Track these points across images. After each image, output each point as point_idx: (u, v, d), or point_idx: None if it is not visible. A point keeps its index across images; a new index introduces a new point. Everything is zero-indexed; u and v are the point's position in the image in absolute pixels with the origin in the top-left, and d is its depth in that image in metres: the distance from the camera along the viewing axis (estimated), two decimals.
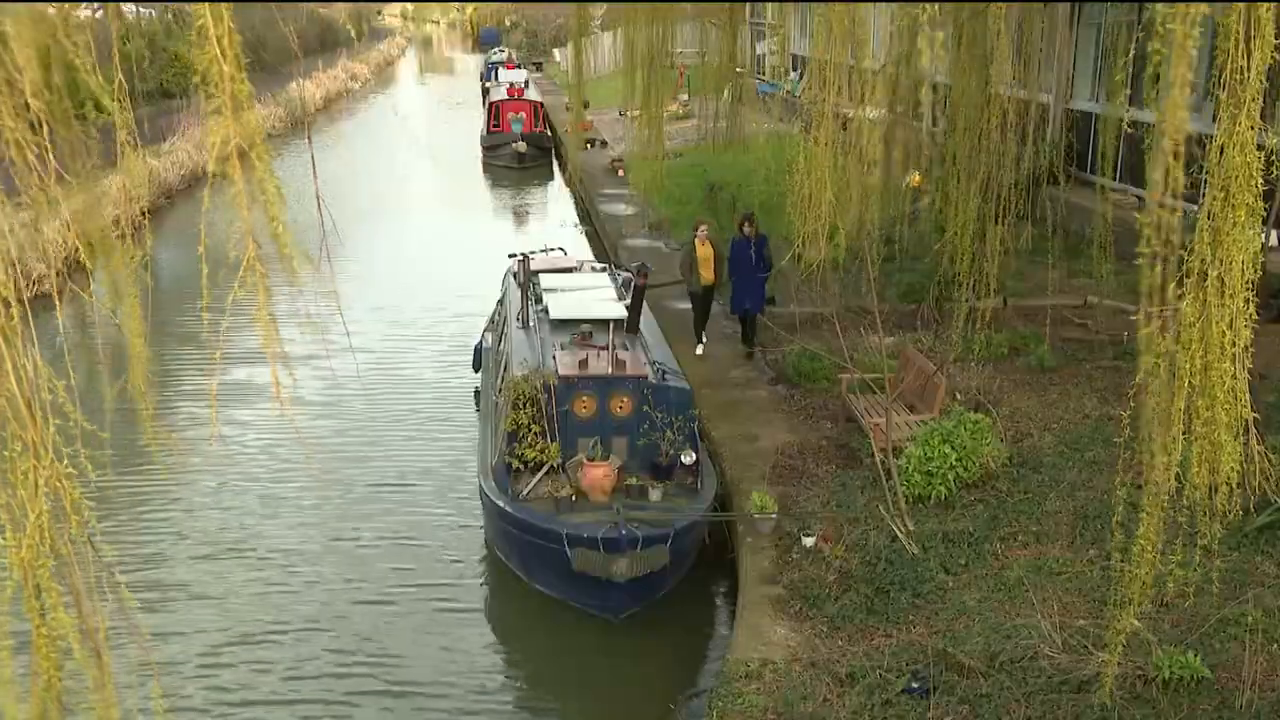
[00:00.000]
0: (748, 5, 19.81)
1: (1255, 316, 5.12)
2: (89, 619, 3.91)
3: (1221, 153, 4.87)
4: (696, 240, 13.47)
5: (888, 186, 13.95)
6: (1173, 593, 7.02)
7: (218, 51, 3.26)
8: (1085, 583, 8.06)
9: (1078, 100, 18.71)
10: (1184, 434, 5.19)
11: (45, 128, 3.63)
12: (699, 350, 13.83)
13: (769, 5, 33.61)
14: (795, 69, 30.27)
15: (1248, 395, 5.28)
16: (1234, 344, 5.02)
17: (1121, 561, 5.77)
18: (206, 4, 3.27)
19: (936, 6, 13.18)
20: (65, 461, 3.85)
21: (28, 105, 3.51)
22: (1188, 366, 5.00)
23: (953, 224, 12.03)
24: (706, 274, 13.40)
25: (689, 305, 16.21)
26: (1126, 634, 5.88)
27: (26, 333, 3.80)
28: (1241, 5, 4.68)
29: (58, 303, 4.48)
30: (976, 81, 11.01)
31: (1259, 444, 5.48)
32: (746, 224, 13.17)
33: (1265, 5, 4.65)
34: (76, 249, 4.12)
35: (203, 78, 3.47)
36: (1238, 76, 4.73)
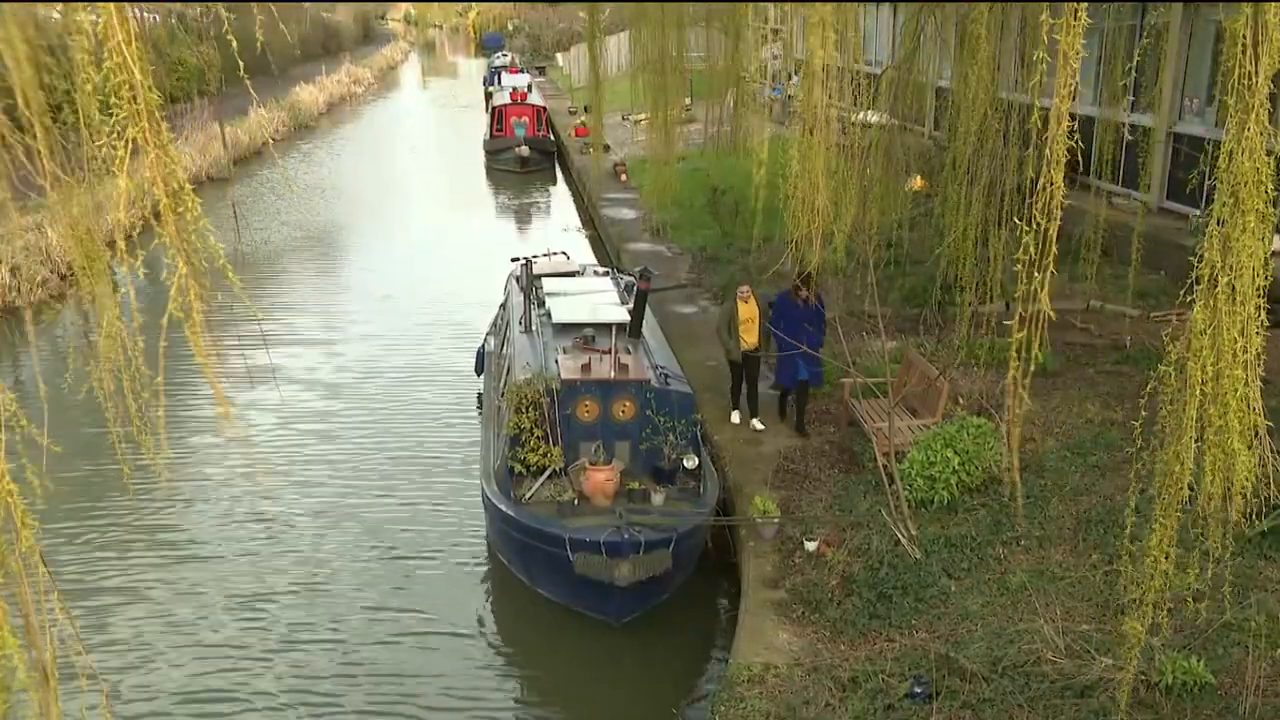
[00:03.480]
0: (752, 8, 19.79)
1: (1266, 323, 5.08)
2: (36, 639, 3.80)
3: (1230, 158, 4.84)
4: (739, 299, 11.59)
5: (890, 190, 13.94)
6: (1172, 599, 7.01)
7: (126, 58, 3.10)
8: (1088, 588, 8.05)
9: (1079, 104, 18.72)
10: (1196, 442, 5.14)
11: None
12: (736, 418, 11.93)
13: (772, 8, 33.63)
14: (798, 73, 30.26)
15: (1260, 402, 5.24)
16: (1245, 351, 4.98)
17: (1131, 568, 5.74)
18: (150, 4, 3.17)
19: (939, 9, 13.20)
20: (7, 477, 3.76)
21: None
22: (1199, 374, 4.95)
23: (956, 228, 12.03)
24: (749, 338, 11.51)
25: (693, 311, 16.26)
26: (1121, 639, 5.86)
27: None
28: (1248, 9, 4.67)
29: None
30: (978, 85, 11.01)
31: (1271, 453, 5.43)
32: (804, 286, 11.18)
33: (1273, 9, 4.64)
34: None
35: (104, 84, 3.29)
36: (1245, 81, 4.72)
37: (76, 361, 4.34)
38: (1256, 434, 5.28)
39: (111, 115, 3.42)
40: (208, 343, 4.32)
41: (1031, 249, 4.95)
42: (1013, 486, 6.36)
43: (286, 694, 8.68)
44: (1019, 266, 5.10)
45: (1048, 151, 4.99)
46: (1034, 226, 5.01)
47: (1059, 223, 5.38)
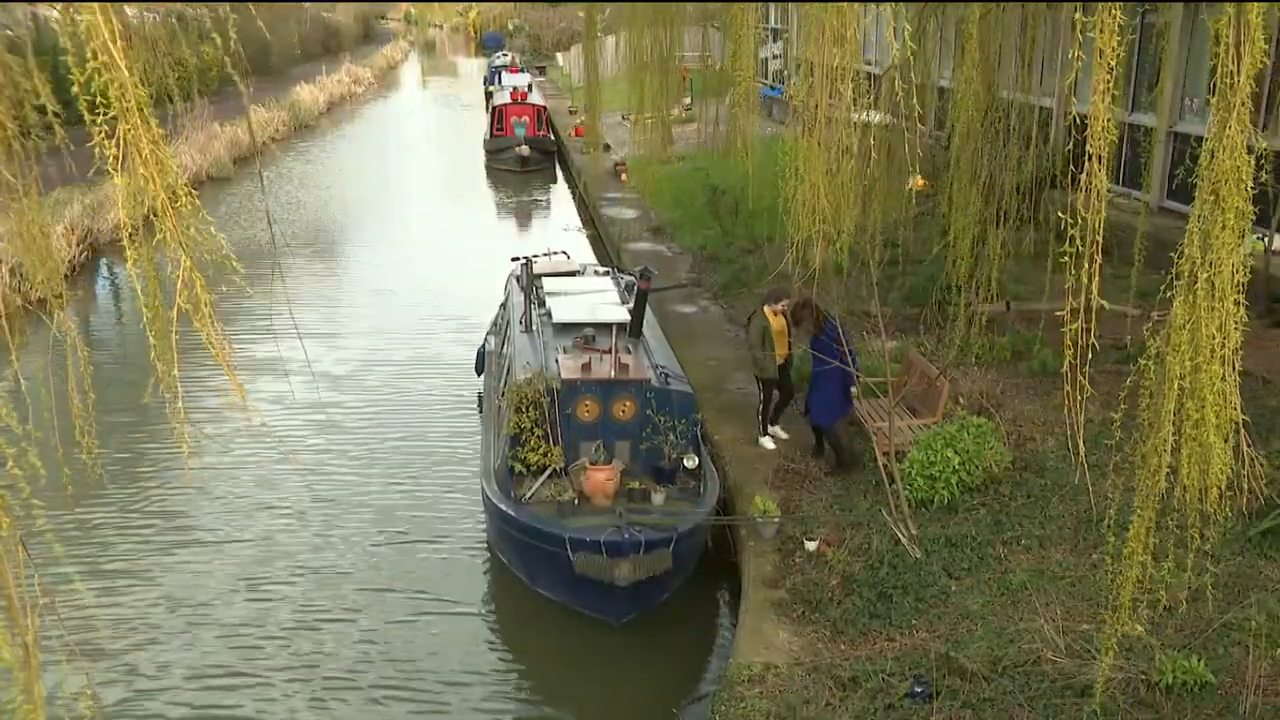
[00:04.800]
0: (752, 8, 19.81)
1: (1245, 319, 5.13)
2: (19, 620, 3.83)
3: (1212, 156, 4.89)
4: (771, 313, 10.97)
5: (890, 190, 13.95)
6: (1168, 597, 7.03)
7: (115, 54, 3.00)
8: (1088, 587, 8.05)
9: (1079, 104, 18.67)
10: (1174, 435, 5.20)
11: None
12: (768, 443, 11.31)
13: (773, 7, 33.64)
14: (798, 72, 30.24)
15: (1238, 398, 5.29)
16: (1224, 346, 5.04)
17: (1113, 565, 5.78)
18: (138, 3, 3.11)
19: (940, 10, 13.19)
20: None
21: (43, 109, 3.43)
22: (1177, 369, 5.01)
23: (955, 228, 12.02)
24: (783, 350, 11.08)
25: (693, 311, 16.27)
26: (1120, 638, 5.88)
27: None
28: (1231, 9, 4.71)
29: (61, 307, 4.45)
30: (979, 85, 11.01)
31: (1248, 446, 5.48)
32: (806, 316, 10.55)
33: (1255, 9, 4.68)
34: (82, 252, 4.06)
35: (86, 86, 3.17)
36: (1228, 80, 4.76)
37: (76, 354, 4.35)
38: (1237, 430, 5.32)
39: (99, 114, 3.36)
40: (222, 334, 4.35)
41: (1079, 241, 5.04)
42: (1080, 468, 6.18)
43: (292, 680, 8.72)
44: (1065, 259, 5.19)
45: (1089, 147, 5.06)
46: (1078, 220, 5.10)
47: (1058, 222, 5.44)
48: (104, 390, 4.34)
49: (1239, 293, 5.04)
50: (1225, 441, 5.21)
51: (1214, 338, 4.96)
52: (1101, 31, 4.95)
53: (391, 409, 14.49)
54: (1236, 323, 5.03)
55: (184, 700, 8.63)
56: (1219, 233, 4.87)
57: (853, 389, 10.51)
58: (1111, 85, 5.11)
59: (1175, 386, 5.02)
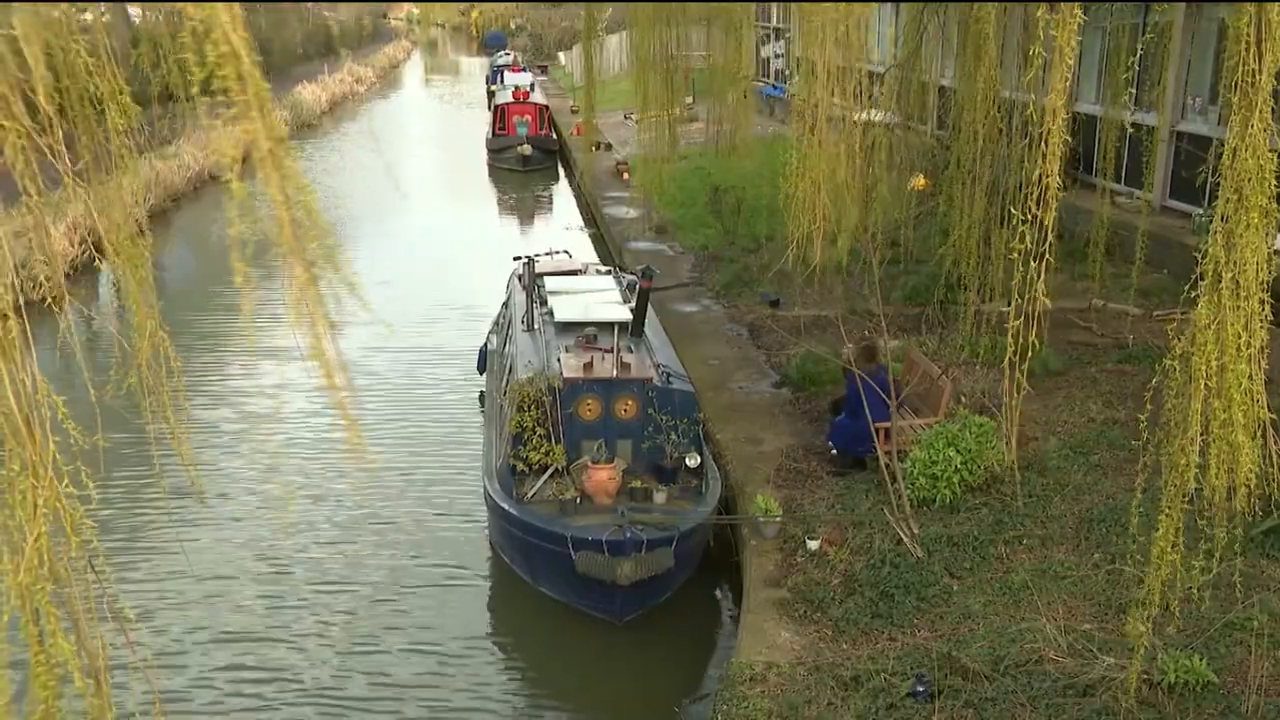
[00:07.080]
0: (753, 7, 19.83)
1: (1270, 318, 5.12)
2: (88, 644, 3.74)
3: (1234, 155, 4.89)
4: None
5: (892, 189, 13.95)
6: (1189, 595, 7.04)
7: (234, 46, 2.98)
8: (1090, 586, 8.05)
9: (1081, 103, 18.69)
10: (1201, 435, 5.19)
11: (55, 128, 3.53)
12: None
13: (774, 6, 33.64)
14: (799, 71, 30.22)
15: (1265, 395, 5.28)
16: (1249, 345, 5.03)
17: (1139, 565, 5.76)
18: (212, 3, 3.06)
19: (942, 9, 13.19)
20: (66, 481, 3.67)
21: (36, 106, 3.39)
22: (1203, 369, 5.00)
23: (958, 227, 12.02)
24: None
25: (695, 310, 16.26)
26: (1121, 638, 5.88)
27: (25, 346, 3.60)
28: (1251, 7, 4.71)
29: (62, 306, 4.41)
30: (982, 84, 11.01)
31: (1276, 444, 5.47)
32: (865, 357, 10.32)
33: (1276, 8, 4.67)
34: (84, 252, 3.99)
35: (208, 79, 3.13)
36: (1249, 79, 4.75)
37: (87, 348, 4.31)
38: (1264, 429, 5.31)
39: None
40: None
41: (1028, 239, 5.07)
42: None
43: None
44: (1015, 255, 5.21)
45: (1043, 145, 5.08)
46: (1030, 218, 5.12)
47: (1060, 219, 5.45)
48: (107, 375, 4.32)
49: (1264, 291, 5.04)
50: (1253, 439, 5.21)
51: (1239, 336, 4.95)
52: (1062, 29, 4.98)
53: (396, 397, 14.64)
54: (1262, 321, 5.03)
55: (216, 657, 9.03)
56: (1243, 232, 4.86)
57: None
58: (1068, 79, 5.14)
59: (1201, 386, 5.02)
